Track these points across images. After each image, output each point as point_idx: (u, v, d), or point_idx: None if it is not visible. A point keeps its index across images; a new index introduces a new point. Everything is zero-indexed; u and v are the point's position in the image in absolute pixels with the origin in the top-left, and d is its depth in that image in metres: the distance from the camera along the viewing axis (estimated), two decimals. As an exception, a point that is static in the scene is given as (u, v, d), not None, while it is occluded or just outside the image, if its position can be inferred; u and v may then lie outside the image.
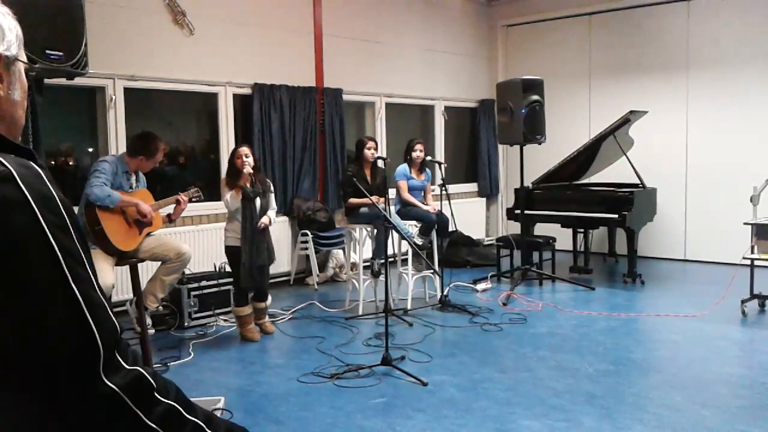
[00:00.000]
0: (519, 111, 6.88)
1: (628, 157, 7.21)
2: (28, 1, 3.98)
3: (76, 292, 0.91)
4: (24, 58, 1.08)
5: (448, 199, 6.24)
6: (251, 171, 5.21)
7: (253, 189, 5.23)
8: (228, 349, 5.25)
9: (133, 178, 4.87)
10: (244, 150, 5.29)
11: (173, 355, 5.03)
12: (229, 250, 5.32)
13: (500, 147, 10.03)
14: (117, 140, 6.17)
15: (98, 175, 4.54)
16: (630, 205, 6.94)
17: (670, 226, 8.59)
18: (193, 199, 5.09)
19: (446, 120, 9.65)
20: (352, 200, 6.16)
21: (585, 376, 4.41)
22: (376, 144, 6.37)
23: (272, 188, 5.55)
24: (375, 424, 3.70)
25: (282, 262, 7.25)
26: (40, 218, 0.90)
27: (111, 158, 4.79)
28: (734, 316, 5.82)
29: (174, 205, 4.98)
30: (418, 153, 6.63)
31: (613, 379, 4.37)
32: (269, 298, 5.61)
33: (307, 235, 7.38)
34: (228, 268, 6.17)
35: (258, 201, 5.26)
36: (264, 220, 5.29)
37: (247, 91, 7.18)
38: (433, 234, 6.47)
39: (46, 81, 5.02)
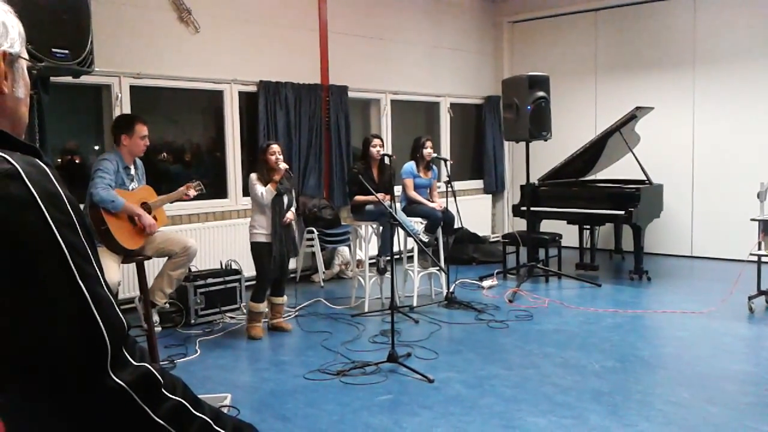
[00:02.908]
0: (525, 107, 6.87)
1: (634, 154, 7.19)
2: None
3: (83, 288, 0.91)
4: (26, 55, 1.08)
5: (454, 196, 6.24)
6: (287, 167, 5.38)
7: (284, 185, 5.38)
8: (235, 346, 5.26)
9: (132, 169, 4.87)
10: (277, 147, 5.44)
11: (180, 352, 5.05)
12: (258, 246, 5.39)
13: (506, 144, 10.00)
14: (118, 138, 6.16)
15: (102, 175, 4.53)
16: (636, 201, 6.92)
17: (677, 223, 8.57)
18: (197, 189, 5.05)
19: (452, 117, 9.64)
20: (358, 197, 6.16)
21: (591, 373, 4.40)
22: (382, 141, 6.37)
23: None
24: (381, 421, 3.71)
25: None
26: (47, 216, 0.90)
27: (111, 156, 4.77)
28: (741, 313, 5.80)
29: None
30: (428, 150, 6.63)
31: (619, 375, 4.36)
32: (285, 295, 5.65)
33: (312, 232, 7.39)
34: (234, 266, 6.23)
35: (285, 197, 5.41)
36: (289, 215, 5.44)
37: (252, 88, 7.19)
38: (439, 231, 6.47)
39: (52, 79, 5.05)
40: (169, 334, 5.57)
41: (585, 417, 3.70)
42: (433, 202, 6.61)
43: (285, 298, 5.65)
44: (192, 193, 4.99)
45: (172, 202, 5.17)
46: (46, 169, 0.94)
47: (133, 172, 4.88)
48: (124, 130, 4.81)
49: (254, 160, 5.59)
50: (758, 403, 3.87)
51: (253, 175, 5.41)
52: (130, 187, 4.79)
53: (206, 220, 6.80)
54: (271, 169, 5.36)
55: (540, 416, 3.72)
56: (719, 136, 8.30)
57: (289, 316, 5.98)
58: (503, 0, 10.01)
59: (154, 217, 4.84)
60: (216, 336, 5.52)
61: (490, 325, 5.61)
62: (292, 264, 7.42)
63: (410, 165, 6.66)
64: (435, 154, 6.78)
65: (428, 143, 6.66)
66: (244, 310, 6.07)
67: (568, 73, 9.33)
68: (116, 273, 4.59)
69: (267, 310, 5.57)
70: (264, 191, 5.29)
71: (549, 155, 8.11)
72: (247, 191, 5.77)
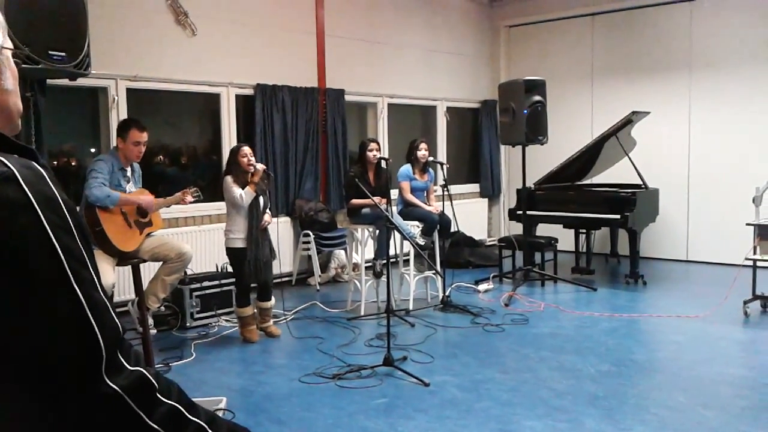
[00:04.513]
0: (521, 111, 6.88)
1: (630, 158, 7.21)
2: (31, 1, 3.99)
3: (78, 293, 0.91)
4: (10, 44, 1.06)
5: (450, 200, 6.24)
6: (265, 167, 5.34)
7: (260, 187, 5.31)
8: (230, 349, 5.25)
9: (129, 172, 4.87)
10: (248, 150, 5.37)
11: (175, 355, 5.04)
12: (234, 252, 5.32)
13: (502, 147, 10.03)
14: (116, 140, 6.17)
15: (95, 175, 4.54)
16: (632, 205, 6.94)
17: (673, 227, 8.58)
18: (193, 196, 5.07)
19: (448, 120, 9.65)
20: (355, 201, 6.16)
21: (587, 377, 4.41)
22: (379, 145, 6.38)
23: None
24: (377, 425, 3.70)
25: (284, 263, 7.24)
26: (43, 219, 0.90)
27: (106, 156, 4.80)
28: (736, 317, 5.81)
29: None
30: (423, 152, 6.64)
31: (615, 379, 4.36)
32: (273, 298, 5.61)
33: (309, 235, 7.38)
34: (229, 269, 6.21)
35: (261, 199, 5.34)
36: (267, 218, 5.39)
37: (249, 91, 7.19)
38: (435, 234, 6.47)
39: (49, 81, 5.04)
40: (164, 337, 5.56)
41: (580, 421, 3.70)
42: (429, 205, 6.61)
43: (272, 302, 5.58)
44: (189, 199, 5.01)
45: (168, 207, 5.17)
46: (43, 171, 0.94)
47: (129, 174, 4.88)
48: (119, 133, 4.85)
49: (227, 163, 5.48)
50: (753, 407, 3.88)
51: (229, 178, 5.30)
52: (127, 189, 4.80)
53: (202, 223, 6.79)
54: (244, 171, 5.30)
55: (536, 420, 3.72)
56: (715, 141, 8.33)
57: (285, 319, 5.97)
58: (500, 4, 10.03)
59: (150, 221, 4.85)
60: (211, 339, 5.51)
61: (485, 329, 5.61)
62: (288, 267, 7.45)
63: (406, 168, 6.67)
64: (432, 158, 6.78)
65: (422, 145, 6.68)
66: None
67: (564, 78, 9.35)
68: (111, 275, 4.58)
69: (255, 311, 5.52)
70: (243, 193, 5.21)
71: (545, 159, 8.12)
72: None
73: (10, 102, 1.05)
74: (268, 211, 5.47)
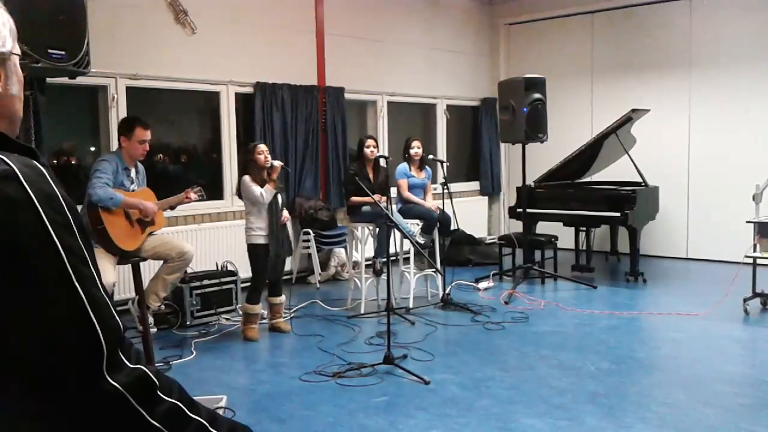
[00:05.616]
0: (521, 109, 6.88)
1: (630, 156, 7.21)
2: (30, 0, 3.98)
3: (80, 290, 0.91)
4: (18, 50, 1.07)
5: (450, 198, 6.24)
6: (282, 163, 5.41)
7: (277, 184, 5.37)
8: (230, 347, 5.25)
9: (133, 172, 4.86)
10: (264, 147, 5.41)
11: (175, 353, 5.04)
12: (256, 248, 5.34)
13: (502, 145, 10.02)
14: (119, 139, 6.17)
15: (99, 175, 4.54)
16: (632, 203, 6.94)
17: (673, 225, 8.58)
18: (197, 194, 5.06)
19: (448, 118, 9.65)
20: (355, 198, 6.17)
21: (587, 375, 4.41)
22: (376, 142, 6.39)
23: None
24: (377, 423, 3.70)
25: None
26: (44, 217, 0.90)
27: (110, 156, 4.79)
28: (736, 315, 5.81)
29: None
30: (416, 150, 6.65)
31: (615, 377, 4.37)
32: (283, 294, 5.62)
33: (309, 234, 7.38)
34: (230, 267, 6.21)
35: (279, 196, 5.42)
36: (286, 214, 5.49)
37: (249, 89, 7.18)
38: (435, 232, 6.47)
39: (49, 80, 5.04)
40: (164, 335, 5.56)
41: (581, 419, 3.70)
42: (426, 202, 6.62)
43: (283, 297, 5.63)
44: (193, 196, 4.99)
45: (173, 208, 5.14)
46: (43, 170, 0.94)
47: (133, 174, 4.87)
48: (123, 132, 4.83)
49: (243, 162, 5.50)
50: (753, 404, 3.88)
51: (247, 177, 5.32)
52: (130, 189, 4.79)
53: (202, 222, 6.79)
54: (261, 169, 5.33)
55: (536, 418, 3.72)
56: (715, 138, 8.32)
57: (286, 317, 5.96)
58: (500, 2, 10.02)
59: (152, 220, 4.85)
60: (212, 337, 5.51)
61: (486, 327, 5.62)
62: (288, 265, 7.44)
63: (403, 166, 6.69)
64: (431, 156, 6.78)
65: (415, 143, 6.69)
66: (240, 312, 6.06)
67: (564, 75, 9.34)
68: (112, 274, 4.58)
69: (263, 311, 5.55)
70: (264, 191, 5.24)
71: (545, 157, 8.11)
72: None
73: (14, 107, 1.06)
74: (285, 208, 5.52)
